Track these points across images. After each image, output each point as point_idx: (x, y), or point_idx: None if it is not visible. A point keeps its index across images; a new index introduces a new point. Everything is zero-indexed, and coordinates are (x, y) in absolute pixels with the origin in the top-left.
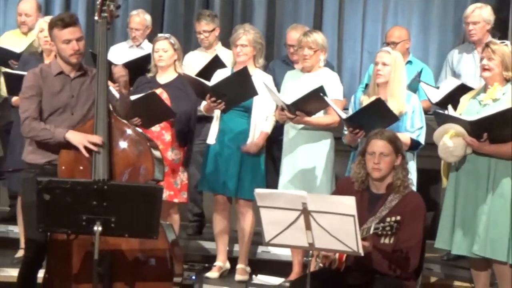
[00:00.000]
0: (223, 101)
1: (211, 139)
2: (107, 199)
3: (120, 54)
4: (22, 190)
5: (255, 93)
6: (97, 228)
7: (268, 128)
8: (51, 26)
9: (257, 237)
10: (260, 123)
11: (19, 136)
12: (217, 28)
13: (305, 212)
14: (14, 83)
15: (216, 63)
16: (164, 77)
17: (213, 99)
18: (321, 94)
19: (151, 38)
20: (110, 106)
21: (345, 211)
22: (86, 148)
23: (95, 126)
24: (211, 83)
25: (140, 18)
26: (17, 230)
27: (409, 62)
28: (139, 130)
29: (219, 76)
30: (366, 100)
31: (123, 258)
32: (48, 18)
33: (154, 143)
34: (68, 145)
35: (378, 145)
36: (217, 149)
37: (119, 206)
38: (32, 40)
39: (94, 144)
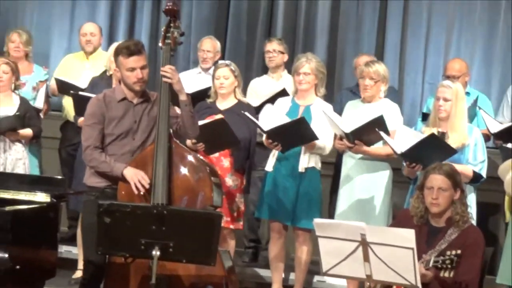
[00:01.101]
0: (279, 144)
1: (269, 166)
2: (166, 224)
3: (188, 81)
4: (83, 212)
5: (314, 138)
6: (156, 252)
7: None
8: (117, 53)
9: (313, 266)
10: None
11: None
12: (286, 54)
13: (364, 244)
14: (82, 105)
15: (282, 95)
16: (224, 103)
17: (269, 141)
18: (377, 129)
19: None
20: (171, 131)
21: (404, 244)
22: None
23: (156, 151)
24: (270, 118)
25: (212, 41)
26: (75, 251)
27: (467, 93)
28: (199, 155)
29: (280, 104)
30: (427, 132)
31: (179, 283)
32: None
33: (213, 169)
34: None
35: (437, 180)
36: (275, 176)
37: (178, 231)
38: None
39: (142, 184)
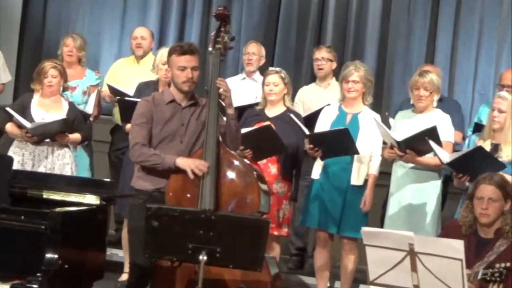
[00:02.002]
0: (320, 150)
1: (316, 174)
2: (214, 229)
3: (233, 87)
4: (130, 215)
5: (356, 152)
6: (203, 257)
7: (375, 170)
8: (170, 52)
9: (358, 275)
10: (364, 160)
11: (130, 162)
12: (334, 61)
13: (412, 253)
14: (128, 111)
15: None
16: (273, 111)
17: (311, 146)
18: (426, 138)
19: (263, 70)
20: (220, 137)
21: (453, 255)
22: (193, 172)
23: (204, 156)
24: (317, 123)
25: (257, 46)
26: (121, 254)
27: None
28: (247, 161)
29: (326, 112)
30: (481, 144)
31: None
32: None
33: (261, 175)
34: (176, 173)
35: (487, 190)
36: (321, 184)
37: (225, 236)
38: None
39: (201, 170)
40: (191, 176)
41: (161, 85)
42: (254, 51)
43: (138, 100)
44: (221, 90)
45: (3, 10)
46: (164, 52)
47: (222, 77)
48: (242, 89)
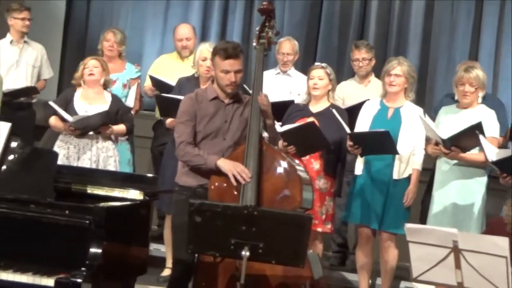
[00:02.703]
0: (360, 147)
1: (358, 170)
2: (257, 225)
3: (267, 81)
4: (173, 211)
5: (395, 152)
6: (245, 253)
7: (419, 165)
8: (214, 53)
9: (400, 271)
10: (406, 155)
11: (170, 158)
12: (373, 59)
13: (456, 250)
14: (166, 106)
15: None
16: (317, 106)
17: (351, 143)
18: (477, 132)
19: (297, 65)
20: (263, 133)
21: (498, 252)
22: (234, 177)
23: (246, 152)
24: (359, 118)
25: (291, 44)
26: (163, 249)
27: None
28: (290, 157)
29: (368, 107)
30: None
31: (266, 284)
32: (209, 45)
33: (304, 171)
34: (219, 169)
35: None
36: (363, 180)
37: (268, 232)
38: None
39: (243, 178)
40: (233, 181)
41: (202, 80)
42: (289, 52)
43: (175, 96)
44: (262, 107)
45: (47, 7)
46: (203, 48)
47: (263, 71)
48: (276, 84)
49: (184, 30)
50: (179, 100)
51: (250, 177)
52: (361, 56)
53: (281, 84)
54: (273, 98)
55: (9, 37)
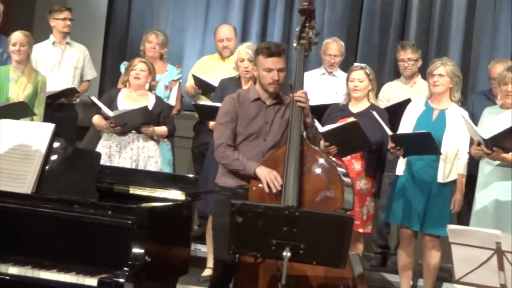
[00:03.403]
0: (402, 148)
1: (400, 170)
2: (298, 225)
3: (313, 81)
4: (214, 211)
5: (438, 153)
6: (286, 253)
7: (463, 169)
8: (257, 52)
9: (441, 273)
10: (451, 158)
11: (212, 159)
12: (419, 60)
13: (499, 252)
14: (205, 113)
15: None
16: (357, 106)
17: (392, 145)
18: None
19: (342, 65)
20: (304, 134)
21: None
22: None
23: (288, 153)
24: (403, 118)
25: (338, 45)
26: (204, 249)
27: None
28: (331, 158)
29: (412, 108)
30: None
31: (307, 284)
32: (247, 46)
33: (345, 171)
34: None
35: None
36: (405, 181)
37: (309, 233)
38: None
39: (275, 187)
40: (265, 188)
41: (243, 81)
42: (336, 53)
43: (213, 104)
44: (299, 104)
45: (89, 8)
46: (240, 50)
47: (304, 72)
48: (322, 85)
49: (225, 31)
50: (217, 108)
51: (281, 185)
52: (407, 57)
53: (326, 85)
54: (318, 98)
55: (51, 38)
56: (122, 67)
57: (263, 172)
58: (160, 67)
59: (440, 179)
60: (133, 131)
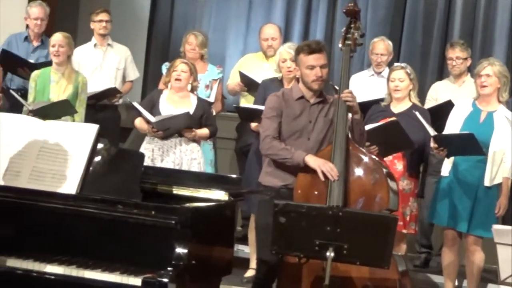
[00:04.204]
0: (446, 149)
1: (445, 171)
2: (341, 225)
3: (361, 83)
4: (257, 211)
5: (482, 154)
6: (330, 254)
7: (508, 172)
8: (298, 51)
9: (486, 274)
10: (497, 162)
11: (256, 158)
12: (468, 59)
13: None
14: (246, 115)
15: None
16: (399, 107)
17: (435, 146)
18: None
19: (390, 65)
20: (349, 134)
21: None
22: (323, 173)
23: (333, 153)
24: (449, 119)
25: (385, 44)
26: (247, 250)
27: None
28: (376, 158)
29: (459, 108)
30: None
31: (352, 285)
32: (288, 46)
33: (390, 172)
34: (305, 169)
35: None
36: (450, 182)
37: (353, 233)
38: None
39: (332, 176)
40: (321, 177)
41: (286, 82)
42: (383, 52)
43: (255, 107)
44: (348, 103)
45: (132, 9)
46: (282, 50)
47: (349, 73)
48: (370, 86)
49: (270, 30)
50: (258, 110)
51: (338, 176)
52: (455, 55)
53: (375, 86)
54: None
55: (93, 40)
56: (164, 68)
57: (317, 161)
58: (200, 67)
59: (487, 182)
60: (175, 135)
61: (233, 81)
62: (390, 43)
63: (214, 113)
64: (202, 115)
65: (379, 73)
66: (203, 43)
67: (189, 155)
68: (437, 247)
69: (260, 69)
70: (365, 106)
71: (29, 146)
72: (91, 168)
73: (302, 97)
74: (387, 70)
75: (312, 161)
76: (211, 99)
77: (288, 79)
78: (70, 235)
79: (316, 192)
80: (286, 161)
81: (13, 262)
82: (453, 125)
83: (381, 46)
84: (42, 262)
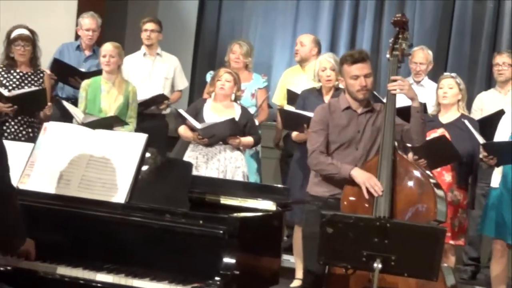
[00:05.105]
0: (495, 157)
1: (495, 182)
2: (389, 237)
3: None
4: (305, 221)
5: None
6: (377, 265)
7: None
8: (342, 62)
9: None
10: None
11: (299, 169)
12: None
13: None
14: (290, 121)
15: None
16: (447, 116)
17: (485, 154)
18: None
19: (433, 77)
20: (396, 144)
21: None
22: (367, 189)
23: (380, 163)
24: (498, 130)
25: (424, 53)
26: (293, 260)
27: None
28: (423, 169)
29: (506, 119)
30: None
31: None
32: (328, 55)
33: (437, 183)
34: (352, 180)
35: None
36: (500, 193)
37: (401, 244)
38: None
39: (376, 192)
40: (365, 193)
41: (325, 91)
42: (422, 61)
43: (300, 111)
44: (397, 91)
45: (179, 19)
46: (321, 59)
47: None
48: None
49: (301, 37)
50: (302, 115)
51: (382, 191)
52: (502, 61)
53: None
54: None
55: (142, 49)
56: (208, 77)
57: (361, 176)
58: (245, 76)
59: None
60: (220, 142)
61: (279, 97)
62: (429, 52)
63: (257, 122)
64: (246, 124)
65: (418, 82)
66: (248, 52)
67: (234, 163)
68: (485, 259)
69: (300, 82)
70: (407, 111)
71: (79, 155)
72: (140, 177)
73: (348, 108)
74: (426, 79)
75: (358, 176)
76: (255, 108)
77: (327, 88)
78: (119, 244)
79: (363, 203)
80: (334, 176)
81: (63, 270)
82: (503, 133)
83: (421, 55)
84: (91, 271)
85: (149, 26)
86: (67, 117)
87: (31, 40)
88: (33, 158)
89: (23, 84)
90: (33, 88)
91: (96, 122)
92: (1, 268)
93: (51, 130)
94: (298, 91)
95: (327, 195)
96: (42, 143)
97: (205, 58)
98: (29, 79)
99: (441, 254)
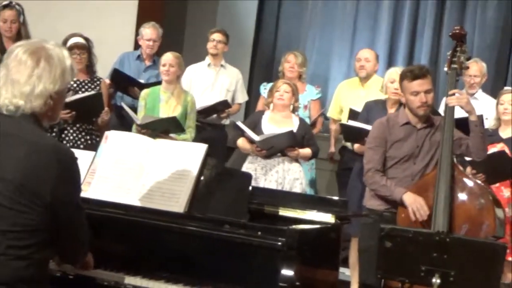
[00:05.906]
0: None
1: None
2: (448, 252)
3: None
4: (361, 235)
5: None
6: (436, 280)
7: None
8: (402, 77)
9: None
10: None
11: (358, 181)
12: None
13: None
14: (350, 134)
15: None
16: (507, 131)
17: None
18: None
19: (487, 88)
20: (454, 159)
21: None
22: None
23: (438, 178)
24: None
25: (478, 66)
26: (348, 273)
27: None
28: (482, 184)
29: None
30: None
31: None
32: (399, 69)
33: (496, 198)
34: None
35: None
36: None
37: (460, 260)
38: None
39: (421, 216)
40: (411, 216)
41: (389, 104)
42: (476, 74)
43: (360, 125)
44: (452, 102)
45: (237, 31)
46: (392, 71)
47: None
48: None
49: (365, 52)
50: (362, 129)
51: (428, 215)
52: None
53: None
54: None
55: (207, 60)
56: (262, 89)
57: (410, 199)
58: (299, 87)
59: None
60: (278, 154)
61: (335, 111)
62: (483, 64)
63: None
64: (304, 136)
65: (472, 95)
66: (303, 62)
67: (292, 175)
68: None
69: (357, 98)
70: (465, 123)
71: (139, 164)
72: (199, 187)
73: (408, 123)
74: (480, 92)
75: (408, 200)
76: (308, 120)
77: (393, 101)
78: (177, 253)
79: (418, 219)
80: (386, 197)
81: (133, 281)
82: None
83: (475, 67)
84: (150, 279)
85: (217, 36)
86: (125, 126)
87: (86, 47)
88: (94, 166)
89: (80, 92)
90: (90, 93)
91: (154, 123)
92: (58, 275)
93: (112, 138)
94: (355, 107)
95: (382, 208)
96: (103, 151)
97: (262, 70)
98: (86, 86)
99: (502, 270)
